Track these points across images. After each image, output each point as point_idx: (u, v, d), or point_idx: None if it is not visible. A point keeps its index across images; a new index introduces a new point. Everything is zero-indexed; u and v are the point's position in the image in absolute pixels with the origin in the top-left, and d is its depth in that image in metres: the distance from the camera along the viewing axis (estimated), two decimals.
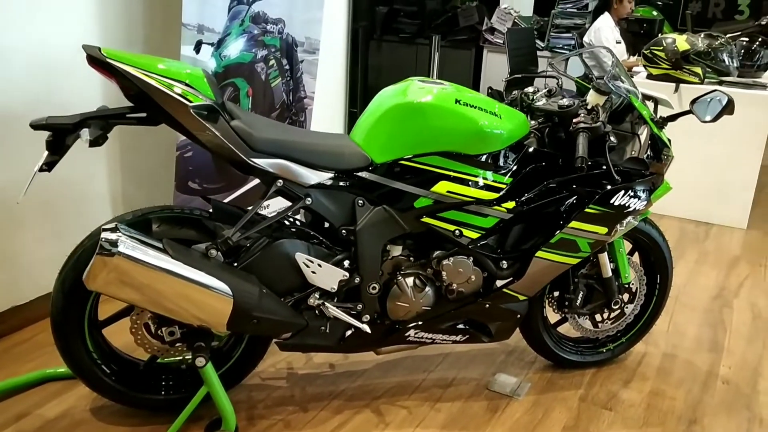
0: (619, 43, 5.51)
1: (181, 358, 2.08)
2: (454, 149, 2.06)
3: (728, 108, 2.17)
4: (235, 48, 3.02)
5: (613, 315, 2.58)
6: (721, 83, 4.47)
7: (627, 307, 2.58)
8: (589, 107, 2.16)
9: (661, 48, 4.39)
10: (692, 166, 4.48)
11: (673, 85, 4.37)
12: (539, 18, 6.49)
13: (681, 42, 4.35)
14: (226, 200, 3.13)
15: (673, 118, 2.30)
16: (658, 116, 2.31)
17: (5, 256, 2.60)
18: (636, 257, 2.65)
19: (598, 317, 2.58)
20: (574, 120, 2.11)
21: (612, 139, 2.14)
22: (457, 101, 2.05)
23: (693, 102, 2.29)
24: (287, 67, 3.39)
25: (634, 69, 5.13)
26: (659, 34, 5.62)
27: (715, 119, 2.20)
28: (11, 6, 2.42)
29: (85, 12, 2.67)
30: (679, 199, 4.54)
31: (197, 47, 2.82)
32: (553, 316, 2.60)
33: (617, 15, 5.50)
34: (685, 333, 3.01)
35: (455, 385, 2.51)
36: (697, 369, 2.72)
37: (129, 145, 2.97)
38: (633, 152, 2.22)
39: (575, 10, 6.13)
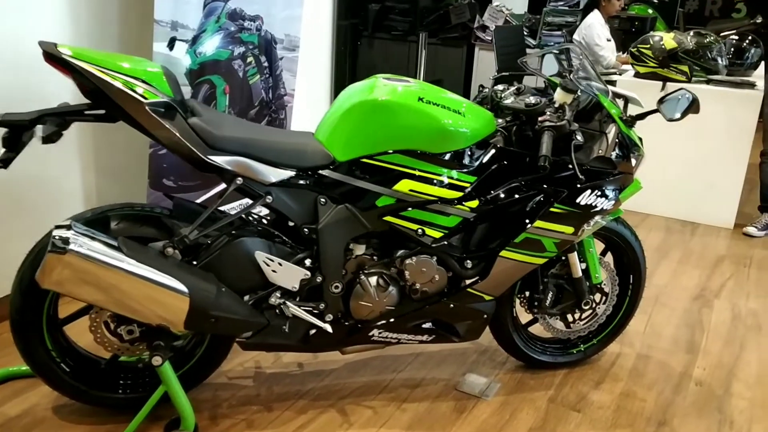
0: (610, 40, 5.48)
1: (140, 356, 2.06)
2: (417, 147, 2.04)
3: (693, 106, 2.15)
4: (210, 45, 3.00)
5: (584, 315, 2.55)
6: (708, 82, 4.44)
7: (599, 308, 2.56)
8: (556, 105, 2.14)
9: (648, 46, 4.36)
10: (679, 165, 4.46)
11: (660, 83, 4.33)
12: (531, 16, 6.46)
13: (668, 40, 4.32)
14: (201, 198, 3.12)
15: (642, 116, 2.28)
16: (627, 115, 2.29)
17: None
18: (610, 258, 2.62)
19: (569, 318, 2.55)
20: (540, 118, 2.09)
21: (578, 137, 2.12)
22: (419, 99, 2.03)
23: (660, 101, 2.27)
24: (266, 64, 3.37)
25: (623, 67, 5.10)
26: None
27: (680, 118, 2.18)
28: None
29: (58, 8, 2.66)
30: (666, 199, 4.54)
31: (171, 44, 2.80)
32: (525, 317, 2.58)
33: (606, 12, 5.47)
34: (661, 334, 2.99)
35: (424, 385, 2.49)
36: (671, 370, 2.70)
37: (103, 142, 2.95)
38: (600, 151, 2.19)
39: (566, 8, 6.10)
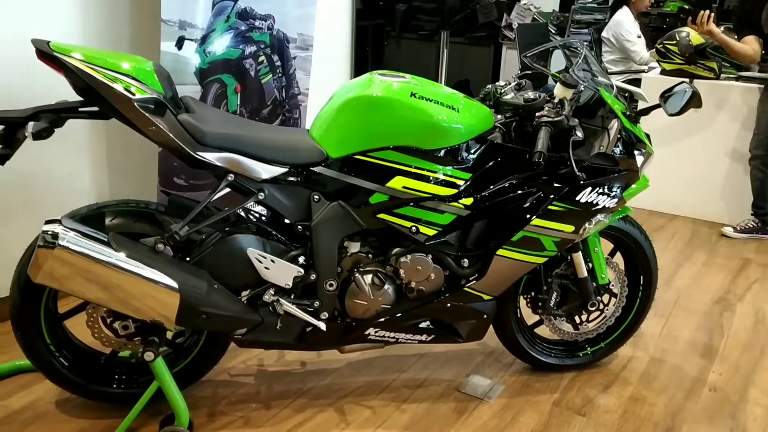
0: (640, 37, 5.35)
1: (134, 352, 2.08)
2: (410, 143, 2.01)
3: (694, 101, 2.07)
4: (220, 44, 3.02)
5: (591, 317, 2.49)
6: (738, 78, 4.30)
7: (607, 310, 2.49)
8: (555, 101, 2.09)
9: (674, 42, 4.22)
10: (708, 165, 4.32)
11: (687, 80, 4.20)
12: (561, 14, 6.36)
13: (695, 36, 4.18)
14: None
15: (646, 111, 2.21)
16: (631, 110, 2.22)
17: None
18: (619, 258, 2.55)
19: (577, 319, 2.49)
20: (537, 114, 2.04)
21: (578, 133, 2.06)
22: (412, 94, 2.00)
23: (662, 95, 2.20)
24: (278, 63, 3.38)
25: (652, 64, 4.98)
26: None
27: (681, 112, 2.10)
28: None
29: (69, 10, 2.70)
30: (694, 199, 4.41)
31: (179, 43, 2.82)
32: (531, 318, 2.52)
33: (636, 9, 5.34)
34: (678, 337, 2.89)
35: (426, 385, 2.46)
36: (685, 375, 2.61)
37: (116, 141, 2.99)
38: (602, 147, 2.13)
39: (595, 5, 5.98)
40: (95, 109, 1.94)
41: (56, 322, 2.11)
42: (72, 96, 1.92)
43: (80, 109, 1.95)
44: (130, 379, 2.18)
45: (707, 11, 3.83)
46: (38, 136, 1.82)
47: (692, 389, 2.52)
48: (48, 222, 1.82)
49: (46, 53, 1.81)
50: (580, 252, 2.33)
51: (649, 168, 2.28)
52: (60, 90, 2.58)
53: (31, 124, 1.82)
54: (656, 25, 5.67)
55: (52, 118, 1.88)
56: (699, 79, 4.24)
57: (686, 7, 6.05)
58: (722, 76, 4.28)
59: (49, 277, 1.81)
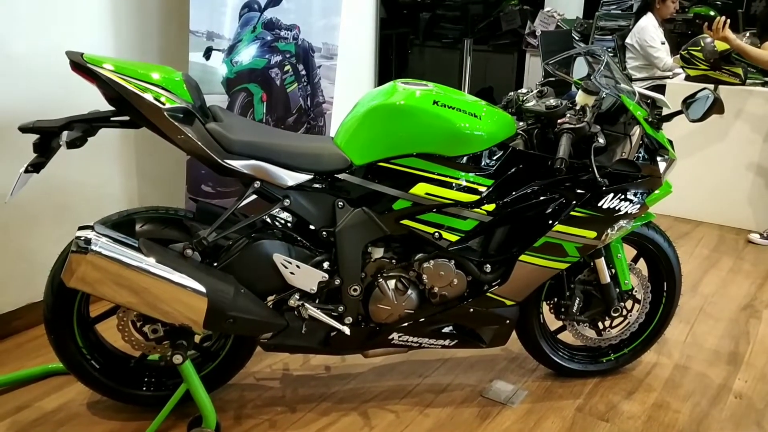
0: (664, 44, 5.33)
1: (163, 355, 2.13)
2: (432, 151, 2.04)
3: (716, 107, 2.07)
4: (247, 54, 3.08)
5: (615, 323, 2.49)
6: (765, 84, 4.26)
7: (630, 316, 2.49)
8: (577, 108, 2.10)
9: (699, 48, 4.21)
10: (734, 171, 4.29)
11: (712, 86, 4.18)
12: (584, 21, 6.35)
13: (720, 41, 4.16)
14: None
15: (668, 118, 2.22)
16: (653, 116, 2.22)
17: (23, 254, 2.73)
18: (643, 264, 2.55)
19: (600, 325, 2.49)
20: (559, 121, 2.06)
21: (600, 140, 2.07)
22: (434, 102, 2.03)
23: (684, 101, 2.20)
24: (304, 72, 3.43)
25: (676, 70, 4.96)
26: None
27: (702, 118, 2.11)
28: (29, 17, 2.54)
29: (101, 22, 2.78)
30: (720, 206, 4.38)
31: (207, 54, 2.89)
32: (554, 323, 2.53)
33: (660, 15, 5.32)
34: (703, 344, 2.88)
35: (449, 390, 2.48)
36: (710, 381, 2.60)
37: (145, 149, 3.06)
38: (624, 153, 2.14)
39: (619, 12, 5.97)
40: (126, 118, 2.00)
41: (88, 326, 2.17)
42: (104, 106, 1.99)
43: (112, 119, 2.00)
44: (158, 382, 2.23)
45: (723, 17, 3.82)
46: (72, 145, 1.88)
47: (717, 396, 2.50)
48: (81, 228, 1.88)
49: (79, 64, 1.87)
50: (602, 258, 2.34)
51: (675, 174, 2.29)
52: (93, 100, 2.66)
53: (65, 133, 1.88)
54: (681, 31, 5.64)
55: (84, 127, 1.94)
56: (725, 85, 4.22)
57: (702, 12, 6.01)
58: (748, 81, 4.25)
59: (82, 281, 1.86)
